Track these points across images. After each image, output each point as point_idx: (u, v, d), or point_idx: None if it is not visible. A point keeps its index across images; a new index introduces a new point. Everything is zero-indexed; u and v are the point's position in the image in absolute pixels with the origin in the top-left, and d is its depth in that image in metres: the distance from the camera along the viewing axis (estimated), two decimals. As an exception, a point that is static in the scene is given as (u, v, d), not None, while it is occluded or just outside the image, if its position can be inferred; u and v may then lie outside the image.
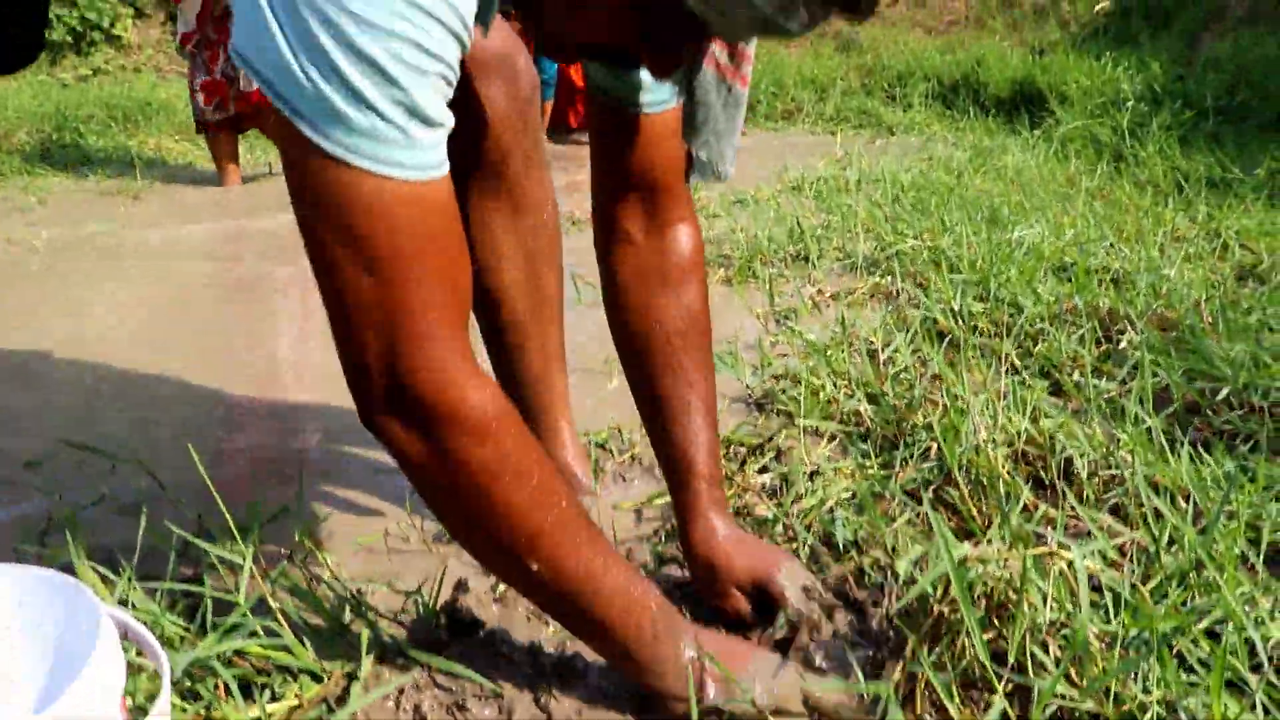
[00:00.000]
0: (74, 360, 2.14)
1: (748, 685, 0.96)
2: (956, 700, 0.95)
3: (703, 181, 1.22)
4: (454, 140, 0.88)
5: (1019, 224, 2.82)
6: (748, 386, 1.86)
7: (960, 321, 2.06)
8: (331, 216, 0.81)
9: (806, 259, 2.76)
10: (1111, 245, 2.59)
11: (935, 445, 1.46)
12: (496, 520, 0.88)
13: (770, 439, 1.55)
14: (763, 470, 1.47)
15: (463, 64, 1.21)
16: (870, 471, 1.45)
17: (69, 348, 2.21)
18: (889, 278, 2.56)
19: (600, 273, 1.23)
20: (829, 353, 1.89)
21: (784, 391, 1.78)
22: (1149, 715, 0.87)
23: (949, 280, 2.22)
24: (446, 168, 0.85)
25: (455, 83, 0.84)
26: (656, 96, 1.12)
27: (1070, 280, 2.29)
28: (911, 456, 1.46)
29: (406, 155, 0.80)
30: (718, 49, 1.13)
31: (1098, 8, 7.77)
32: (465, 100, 1.27)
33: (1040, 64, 6.74)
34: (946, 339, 1.99)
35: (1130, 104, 5.19)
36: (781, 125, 6.36)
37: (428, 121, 0.80)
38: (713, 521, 1.15)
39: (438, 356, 0.84)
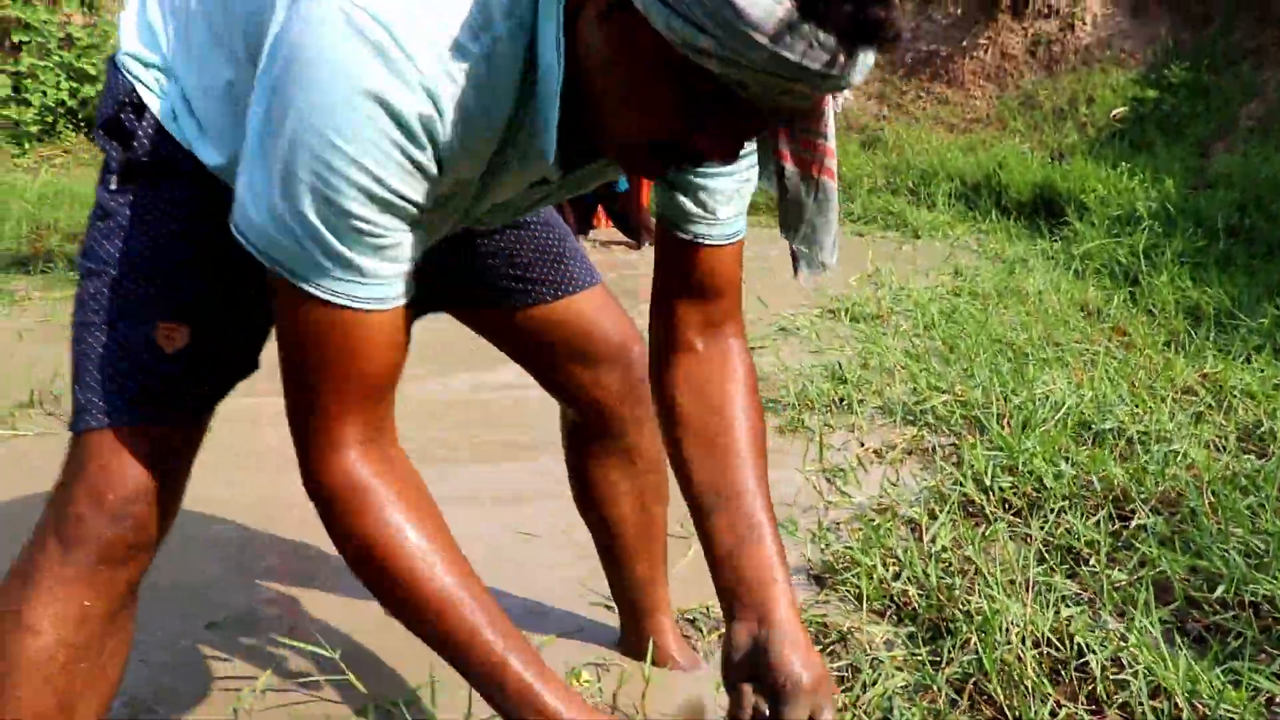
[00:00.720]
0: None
1: None
2: None
3: (809, 273, 1.19)
4: (577, 411, 1.17)
5: (1042, 375, 3.13)
6: (808, 559, 2.17)
7: (990, 495, 2.36)
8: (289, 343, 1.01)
9: (849, 407, 3.07)
10: (1127, 404, 2.89)
11: (974, 638, 1.75)
12: (382, 591, 1.04)
13: (838, 632, 1.84)
14: (834, 658, 1.77)
15: (582, 351, 1.53)
16: (920, 658, 1.75)
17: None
18: (925, 431, 2.87)
19: (658, 387, 1.28)
20: (878, 528, 2.20)
21: (844, 569, 2.07)
22: None
23: (980, 452, 2.52)
24: (389, 305, 0.99)
25: (417, 218, 0.97)
26: (724, 230, 1.21)
27: (1089, 443, 2.61)
28: (954, 645, 1.75)
29: (359, 290, 0.96)
30: (799, 147, 1.09)
31: (1114, 114, 8.12)
32: (585, 384, 1.56)
33: (1059, 170, 7.09)
34: (980, 512, 2.30)
35: (1145, 224, 5.51)
36: (812, 225, 6.70)
37: (360, 271, 0.95)
38: (797, 626, 1.14)
39: (330, 454, 1.01)
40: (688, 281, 1.23)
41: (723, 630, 1.88)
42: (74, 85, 9.19)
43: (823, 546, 2.20)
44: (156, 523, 1.18)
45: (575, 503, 1.74)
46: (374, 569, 1.02)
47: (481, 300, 1.50)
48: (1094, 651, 1.69)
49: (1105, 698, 1.61)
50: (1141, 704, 1.56)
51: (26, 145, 9.01)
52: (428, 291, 1.31)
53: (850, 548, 2.13)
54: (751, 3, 0.79)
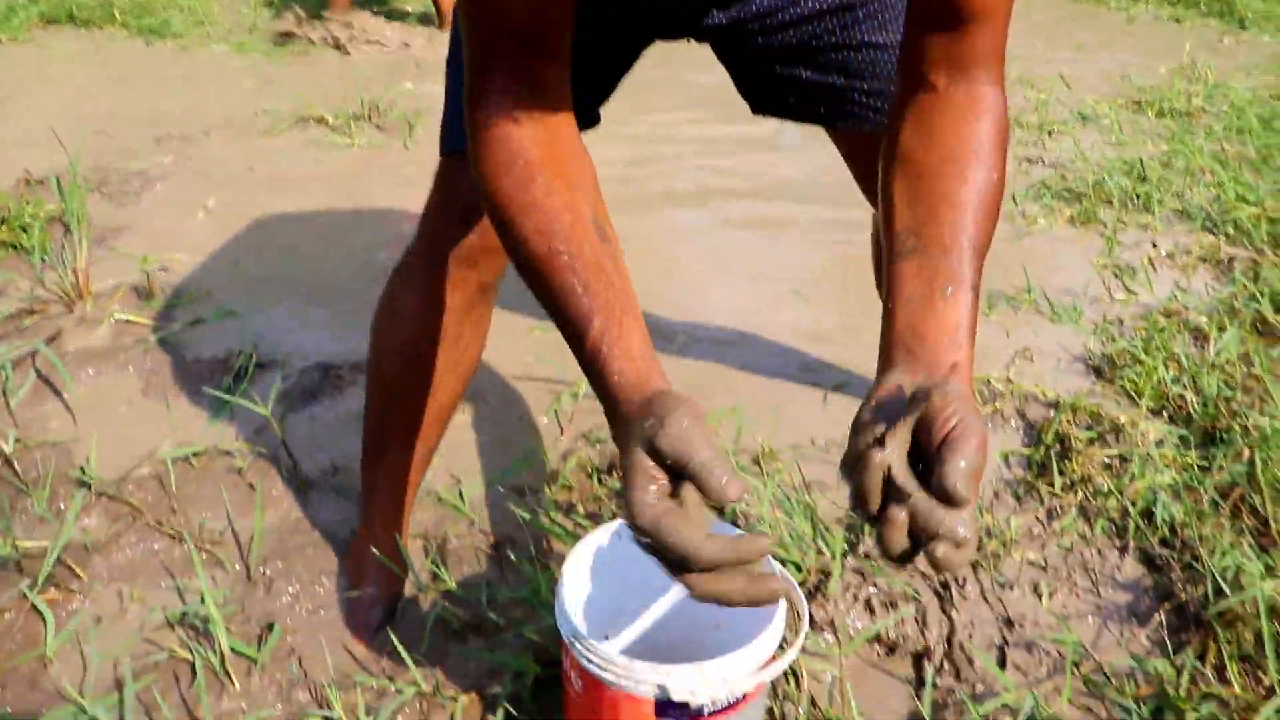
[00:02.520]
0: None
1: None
2: (1237, 669, 1.37)
3: None
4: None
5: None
6: (1089, 350, 2.23)
7: (1287, 318, 2.33)
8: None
9: (1147, 206, 3.00)
10: None
11: (1249, 452, 1.81)
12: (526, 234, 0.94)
13: (1111, 422, 1.92)
14: (1104, 445, 1.87)
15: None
16: (1189, 461, 1.83)
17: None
18: (1224, 241, 2.80)
19: (888, 129, 1.06)
20: (1163, 330, 2.22)
21: (1124, 366, 2.13)
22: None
23: (1284, 272, 2.47)
24: None
25: None
26: None
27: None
28: (1226, 455, 1.82)
29: None
30: None
31: None
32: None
33: None
34: (1271, 331, 2.28)
35: None
36: (1126, 2, 6.21)
37: None
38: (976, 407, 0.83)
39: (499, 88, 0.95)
40: (930, 5, 1.01)
41: (997, 405, 2.01)
42: None
43: (1105, 340, 2.25)
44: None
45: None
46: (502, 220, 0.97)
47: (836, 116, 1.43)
48: (1372, 486, 1.72)
49: (1375, 530, 1.66)
50: None
51: None
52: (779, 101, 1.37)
53: (1134, 345, 2.18)
54: None
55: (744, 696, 1.06)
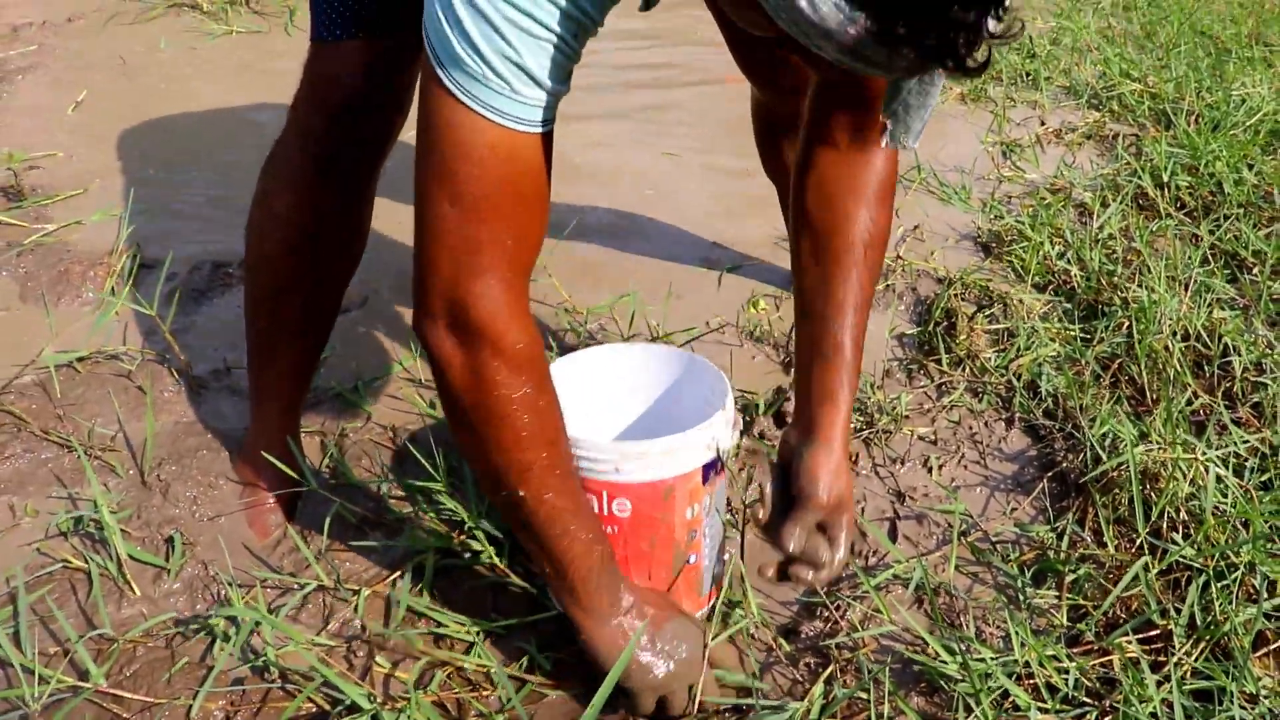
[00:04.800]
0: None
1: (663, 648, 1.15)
2: (1112, 532, 1.44)
3: (887, 143, 1.24)
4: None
5: (1242, 75, 3.04)
6: (977, 228, 2.27)
7: (1165, 192, 2.40)
8: (435, 146, 0.96)
9: (1035, 83, 3.04)
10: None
11: (1128, 323, 1.87)
12: (502, 442, 1.03)
13: (999, 297, 1.97)
14: (991, 319, 1.92)
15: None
16: (1073, 334, 1.89)
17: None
18: (1108, 118, 2.86)
19: (795, 181, 1.36)
20: (1049, 207, 2.28)
21: (1011, 242, 2.18)
22: (1236, 574, 1.34)
23: (1163, 148, 2.53)
24: (545, 129, 0.97)
25: (574, 56, 0.96)
26: None
27: (1276, 156, 2.58)
28: (1107, 327, 1.88)
29: (507, 105, 0.93)
30: None
31: None
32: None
33: None
34: (1152, 207, 2.35)
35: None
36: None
37: (534, 80, 0.93)
38: (835, 447, 1.38)
39: (496, 290, 0.99)
40: (840, 88, 1.25)
41: (889, 282, 2.05)
42: None
43: (993, 217, 2.30)
44: (373, 127, 1.32)
45: (763, 166, 1.90)
46: (487, 416, 1.04)
47: None
48: (1239, 354, 1.80)
49: (1241, 396, 1.74)
50: (1275, 406, 1.69)
51: None
52: None
53: (1020, 222, 2.23)
54: (824, 16, 0.76)
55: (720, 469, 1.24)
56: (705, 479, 1.21)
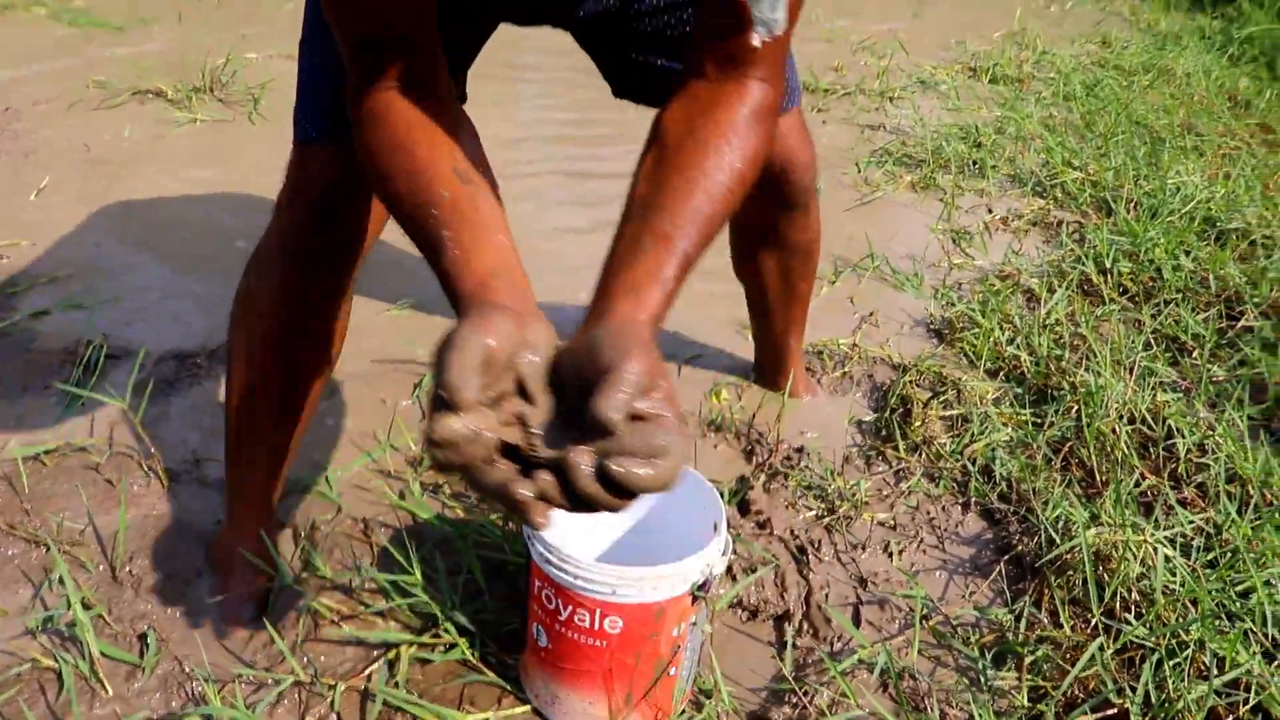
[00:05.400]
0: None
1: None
2: (1067, 613, 1.49)
3: (762, 35, 1.05)
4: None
5: (1177, 164, 3.17)
6: (930, 314, 2.35)
7: (1109, 278, 2.49)
8: None
9: (982, 172, 3.16)
10: (1257, 205, 2.94)
11: (1077, 407, 1.94)
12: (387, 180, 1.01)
13: (953, 383, 2.04)
14: (945, 406, 1.98)
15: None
16: (1024, 418, 1.95)
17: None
18: (1052, 205, 2.97)
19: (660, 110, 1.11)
20: (999, 293, 2.36)
21: (963, 329, 2.25)
22: (1187, 652, 1.40)
23: (1104, 235, 2.63)
24: None
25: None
26: None
27: (1212, 240, 2.70)
28: (1057, 411, 1.95)
29: None
30: None
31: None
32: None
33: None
34: (1096, 292, 2.44)
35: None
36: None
37: None
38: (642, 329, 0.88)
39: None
40: (715, 12, 1.06)
41: (846, 369, 2.11)
42: None
43: (945, 304, 2.38)
44: (353, 226, 1.35)
45: (733, 265, 1.90)
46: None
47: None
48: (1183, 435, 1.87)
49: (1185, 477, 1.81)
50: (1218, 486, 1.76)
51: None
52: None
53: (971, 309, 2.31)
54: None
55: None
56: (694, 599, 1.24)
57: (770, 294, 1.86)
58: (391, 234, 1.21)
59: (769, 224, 1.75)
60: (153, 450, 1.78)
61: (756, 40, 1.04)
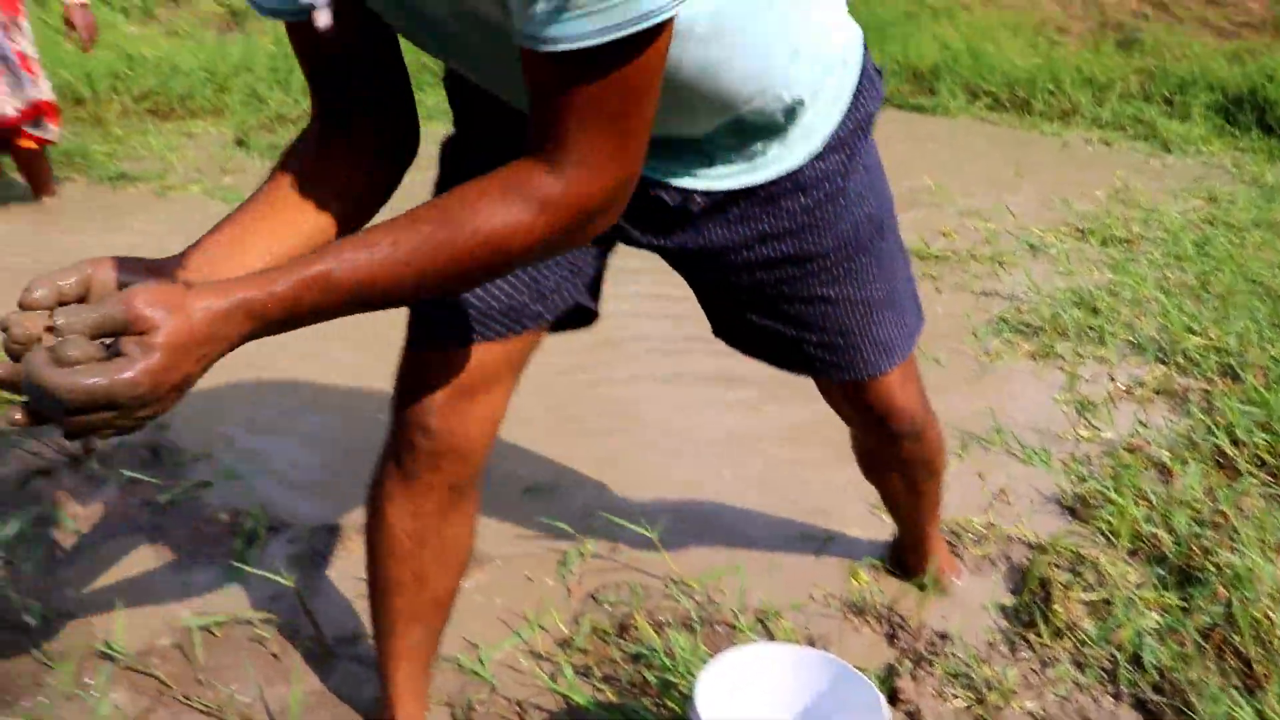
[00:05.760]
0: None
1: None
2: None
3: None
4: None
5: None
6: (1061, 489, 2.35)
7: (1243, 449, 2.47)
8: None
9: (1100, 339, 3.17)
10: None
11: (1224, 590, 1.92)
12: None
13: (1093, 565, 2.03)
14: (1086, 588, 1.97)
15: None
16: (1169, 602, 1.93)
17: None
18: (1175, 372, 2.96)
19: None
20: (1129, 468, 2.36)
21: (1097, 506, 2.24)
22: None
23: (1234, 404, 2.62)
24: None
25: None
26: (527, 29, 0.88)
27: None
28: (1204, 595, 1.92)
29: None
30: None
31: None
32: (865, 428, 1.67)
33: (1336, 90, 6.67)
34: (1231, 465, 2.42)
35: None
36: (1058, 127, 6.54)
37: None
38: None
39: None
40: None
41: (984, 550, 2.11)
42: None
43: (1075, 479, 2.38)
44: (462, 434, 1.35)
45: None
46: None
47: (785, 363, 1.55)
48: (1339, 621, 1.84)
49: (1346, 665, 1.77)
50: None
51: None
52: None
53: (1104, 485, 2.30)
54: None
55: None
56: None
57: (898, 497, 1.87)
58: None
59: (884, 449, 1.73)
60: (313, 624, 1.85)
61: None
